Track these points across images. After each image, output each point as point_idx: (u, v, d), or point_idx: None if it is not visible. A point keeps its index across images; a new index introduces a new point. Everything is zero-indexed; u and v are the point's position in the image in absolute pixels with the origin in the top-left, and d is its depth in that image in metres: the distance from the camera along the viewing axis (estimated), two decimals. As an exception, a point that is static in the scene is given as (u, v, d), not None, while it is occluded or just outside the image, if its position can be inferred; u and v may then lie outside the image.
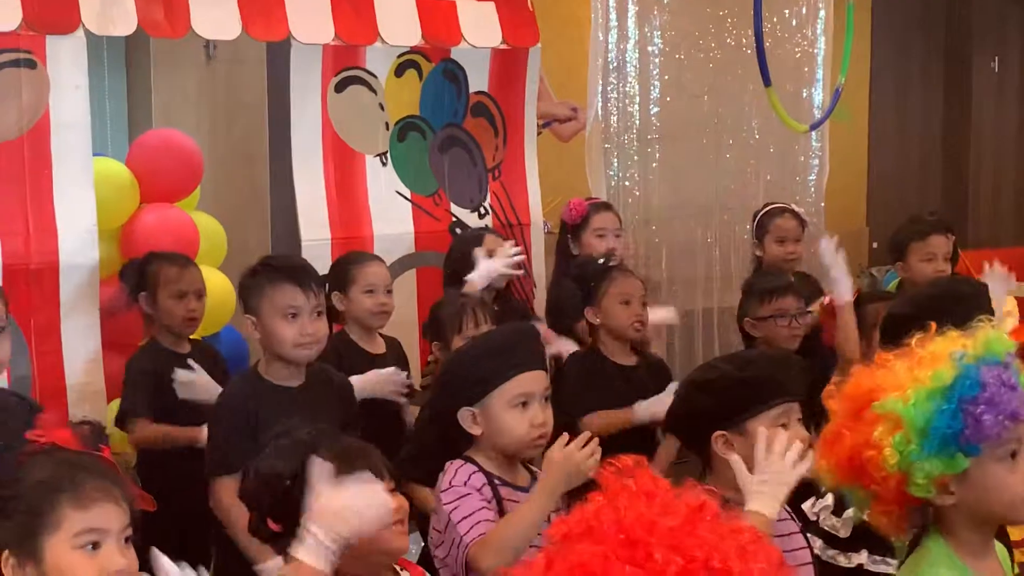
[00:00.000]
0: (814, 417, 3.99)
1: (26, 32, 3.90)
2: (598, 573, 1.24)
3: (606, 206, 4.94)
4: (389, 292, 4.05)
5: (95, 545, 1.92)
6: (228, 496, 3.08)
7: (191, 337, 4.03)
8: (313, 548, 2.05)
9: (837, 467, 2.00)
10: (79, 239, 4.00)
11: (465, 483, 2.65)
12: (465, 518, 2.56)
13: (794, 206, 5.06)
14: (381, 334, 4.08)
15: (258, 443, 2.90)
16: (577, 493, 2.46)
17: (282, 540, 2.25)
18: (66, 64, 3.99)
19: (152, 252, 4.06)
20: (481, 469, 2.69)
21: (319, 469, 2.06)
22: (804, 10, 6.16)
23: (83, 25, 3.99)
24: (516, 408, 2.69)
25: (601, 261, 4.17)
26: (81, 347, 3.96)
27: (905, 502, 1.96)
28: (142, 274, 3.93)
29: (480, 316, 3.78)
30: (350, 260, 4.11)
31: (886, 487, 1.93)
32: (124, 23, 4.08)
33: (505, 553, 2.48)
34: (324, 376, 3.42)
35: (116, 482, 1.97)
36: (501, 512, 2.64)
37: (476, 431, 2.71)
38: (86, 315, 4.01)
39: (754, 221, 4.98)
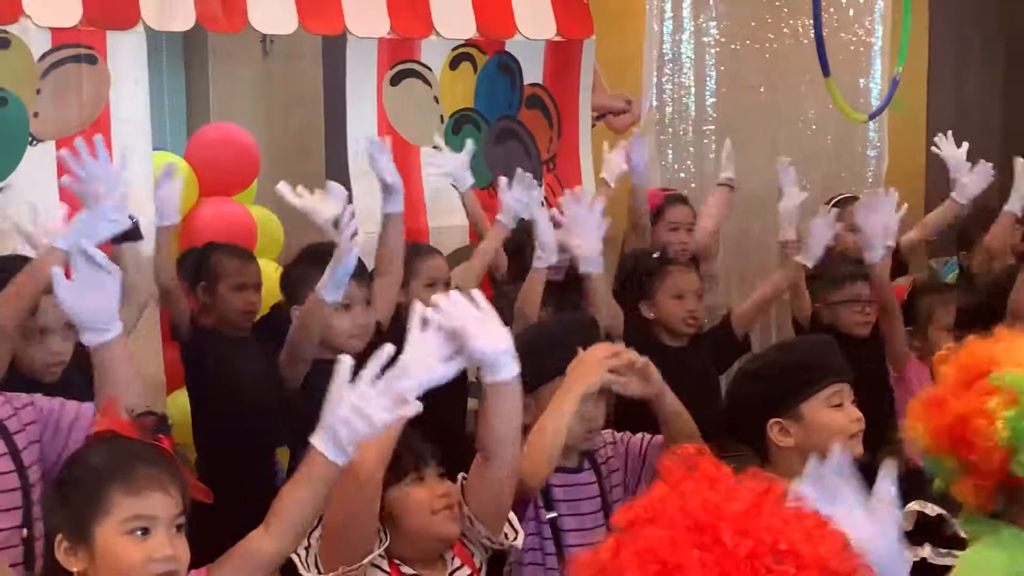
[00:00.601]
0: (882, 400, 3.99)
1: (86, 28, 3.95)
2: (667, 557, 1.25)
3: (681, 199, 4.91)
4: (448, 285, 4.05)
5: (144, 531, 1.95)
6: None
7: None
8: (326, 440, 2.03)
9: (935, 432, 1.98)
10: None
11: None
12: None
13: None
14: None
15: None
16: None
17: None
18: (126, 59, 4.04)
19: (212, 243, 4.09)
20: None
21: (343, 367, 2.05)
22: (862, -1, 6.10)
23: (143, 20, 4.03)
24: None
25: (655, 255, 4.15)
26: (142, 339, 4.00)
27: (1001, 478, 1.94)
28: (201, 265, 3.95)
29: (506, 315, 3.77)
30: (410, 253, 4.11)
31: (988, 460, 1.91)
32: (183, 18, 4.12)
33: (542, 458, 2.53)
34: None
35: (170, 471, 1.99)
36: (549, 498, 2.67)
37: (529, 420, 2.74)
38: (147, 307, 4.05)
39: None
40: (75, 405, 2.50)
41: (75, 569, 1.96)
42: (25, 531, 2.40)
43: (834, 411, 2.52)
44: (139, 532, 1.94)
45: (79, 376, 3.01)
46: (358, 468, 2.15)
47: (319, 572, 2.24)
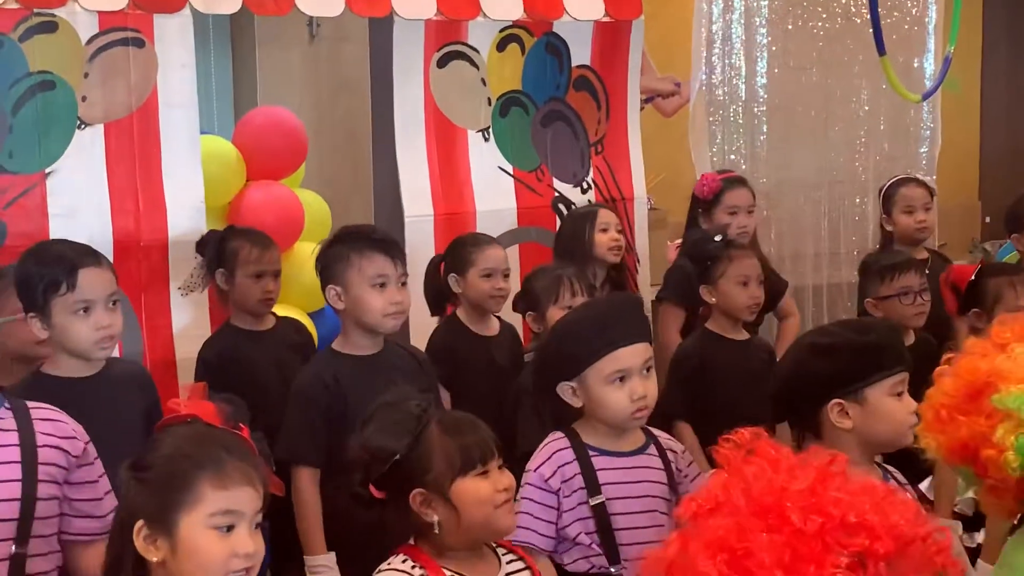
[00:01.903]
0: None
1: (134, 11, 3.94)
2: (736, 545, 1.22)
3: (740, 182, 4.84)
4: (506, 276, 4.04)
5: (229, 528, 1.91)
6: (308, 487, 3.17)
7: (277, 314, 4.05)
8: None
9: (948, 449, 1.94)
10: (187, 216, 4.04)
11: (536, 469, 2.68)
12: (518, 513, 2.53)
13: (919, 175, 4.95)
14: (499, 318, 4.06)
15: (346, 416, 2.95)
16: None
17: (381, 506, 2.27)
18: (173, 43, 4.03)
19: (232, 227, 4.08)
20: (573, 444, 2.70)
21: None
22: (916, -23, 6.01)
23: (190, 4, 4.02)
24: (613, 384, 2.67)
25: (718, 238, 4.10)
26: (190, 322, 4.01)
27: (1020, 495, 1.89)
28: (220, 250, 3.93)
29: (576, 286, 3.78)
30: (468, 243, 4.09)
31: (1004, 483, 1.87)
32: (229, 1, 4.11)
33: None
34: (399, 348, 3.45)
35: (254, 464, 1.96)
36: (589, 484, 2.65)
37: (577, 403, 2.72)
38: (195, 291, 4.05)
39: (880, 195, 4.87)
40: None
41: (154, 558, 1.92)
42: (14, 547, 2.32)
43: (896, 400, 2.47)
44: (224, 528, 1.91)
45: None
46: None
47: None
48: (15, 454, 2.36)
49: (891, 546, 1.24)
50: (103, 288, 2.91)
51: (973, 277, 3.98)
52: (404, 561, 2.27)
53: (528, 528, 2.63)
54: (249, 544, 1.91)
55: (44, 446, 2.39)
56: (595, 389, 2.68)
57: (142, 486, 1.95)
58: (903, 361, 2.51)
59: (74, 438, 2.45)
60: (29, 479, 2.36)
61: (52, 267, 2.87)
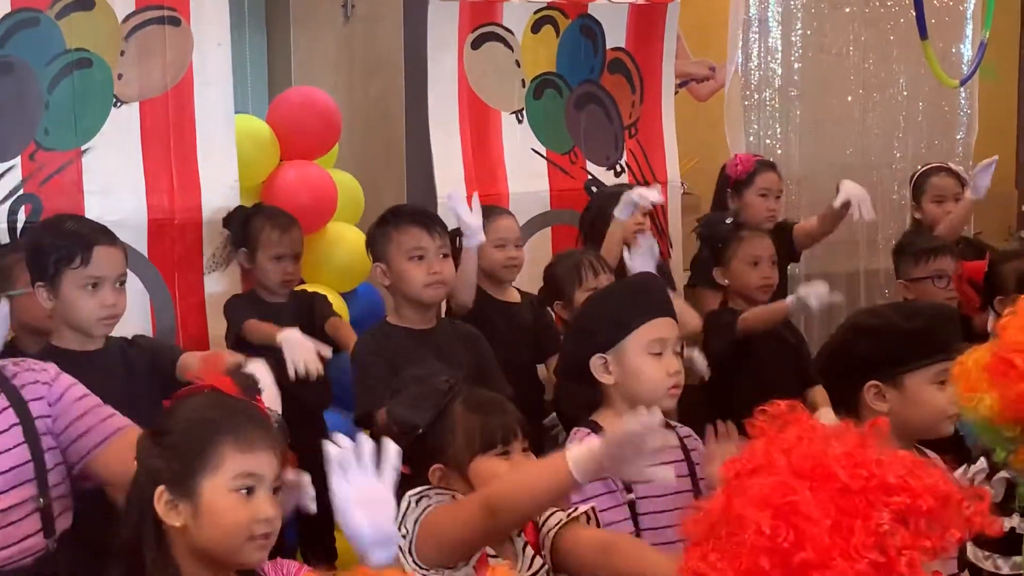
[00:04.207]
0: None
1: (170, -10, 3.95)
2: (781, 501, 1.23)
3: (771, 166, 4.87)
4: (519, 246, 4.09)
5: (250, 490, 1.92)
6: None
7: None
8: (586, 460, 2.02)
9: (1005, 403, 1.92)
10: (221, 195, 4.06)
11: None
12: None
13: (951, 164, 4.91)
14: (518, 289, 4.07)
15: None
16: None
17: (409, 482, 2.26)
18: (209, 21, 4.04)
19: (259, 205, 4.10)
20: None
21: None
22: (953, -38, 5.94)
23: (225, -18, 4.03)
24: (651, 355, 2.64)
25: (729, 220, 4.12)
26: (223, 300, 4.02)
27: None
28: (244, 229, 3.96)
29: (598, 266, 3.80)
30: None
31: None
32: (265, -21, 4.12)
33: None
34: (452, 324, 3.50)
35: (271, 431, 1.97)
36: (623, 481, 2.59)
37: (608, 380, 2.66)
38: (228, 269, 4.07)
39: (911, 183, 4.84)
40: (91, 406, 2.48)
41: (176, 523, 1.92)
42: (41, 500, 2.36)
43: (937, 389, 2.44)
44: (245, 490, 1.91)
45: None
46: (502, 507, 2.10)
47: (416, 563, 2.20)
48: (12, 416, 2.38)
49: (931, 503, 1.26)
50: (114, 267, 2.94)
51: (987, 267, 3.96)
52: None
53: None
54: (270, 508, 1.92)
55: (32, 400, 2.42)
56: (633, 359, 2.63)
57: (162, 451, 1.96)
58: (949, 349, 2.46)
59: (48, 383, 2.45)
60: (32, 437, 2.38)
61: (68, 239, 2.90)
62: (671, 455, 2.69)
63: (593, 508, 2.37)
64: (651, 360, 2.64)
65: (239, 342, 3.78)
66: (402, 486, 2.29)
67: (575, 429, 2.72)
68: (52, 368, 2.50)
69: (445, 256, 3.39)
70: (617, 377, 2.65)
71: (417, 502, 2.24)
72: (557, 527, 2.31)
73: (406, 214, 3.44)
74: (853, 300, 5.84)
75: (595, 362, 2.67)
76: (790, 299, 3.82)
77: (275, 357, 3.32)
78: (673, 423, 2.78)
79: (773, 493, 1.25)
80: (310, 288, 4.18)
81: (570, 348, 2.85)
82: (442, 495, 2.27)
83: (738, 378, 3.78)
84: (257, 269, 3.96)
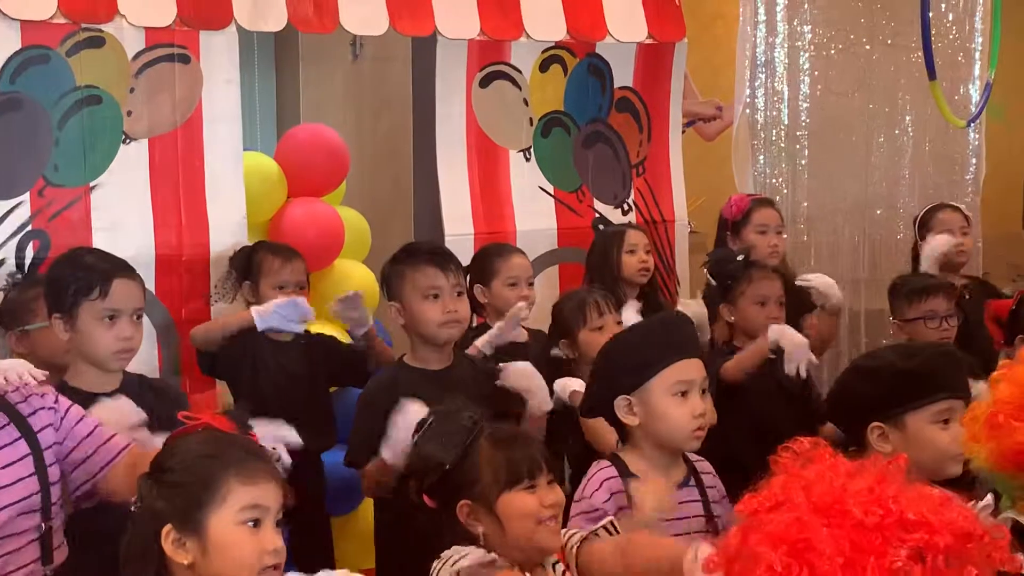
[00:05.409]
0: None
1: (180, 27, 3.98)
2: (796, 537, 1.23)
3: (768, 202, 4.84)
4: (531, 284, 4.07)
5: (256, 522, 1.92)
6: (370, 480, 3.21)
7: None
8: None
9: (999, 456, 1.93)
10: (229, 232, 4.07)
11: (591, 495, 2.63)
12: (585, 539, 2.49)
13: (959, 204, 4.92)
14: (525, 327, 4.06)
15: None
16: None
17: (436, 515, 2.28)
18: (218, 59, 4.06)
19: (261, 241, 4.10)
20: (620, 473, 2.64)
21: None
22: (961, 3, 5.95)
23: (235, 20, 4.06)
24: (676, 396, 2.63)
25: (740, 258, 4.10)
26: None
27: None
28: (248, 263, 3.96)
29: (603, 305, 3.78)
30: (492, 253, 4.11)
31: None
32: (275, 19, 4.14)
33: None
34: (468, 361, 3.47)
35: (271, 463, 1.98)
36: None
37: (632, 421, 2.66)
38: (235, 305, 4.07)
39: (915, 223, 4.84)
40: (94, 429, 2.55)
41: (185, 561, 1.91)
42: (43, 527, 2.40)
43: (939, 428, 2.43)
44: (252, 523, 1.91)
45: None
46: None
47: None
48: (24, 447, 2.43)
49: (950, 540, 1.25)
50: (132, 301, 2.95)
51: (1014, 306, 3.96)
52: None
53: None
54: (277, 539, 1.93)
55: (40, 430, 2.47)
56: (658, 402, 2.63)
57: (165, 489, 1.96)
58: (950, 388, 2.45)
59: (53, 408, 2.52)
60: (40, 468, 2.43)
61: (87, 272, 2.91)
62: (692, 495, 2.70)
63: (612, 521, 2.38)
64: (676, 402, 2.63)
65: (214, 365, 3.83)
66: (429, 520, 2.30)
67: (596, 461, 2.72)
68: (51, 391, 2.55)
69: (460, 294, 3.36)
70: (642, 418, 2.65)
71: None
72: (578, 544, 2.34)
73: (421, 253, 3.41)
74: (856, 340, 5.84)
75: (620, 403, 2.67)
76: (767, 338, 3.71)
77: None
78: (692, 459, 2.78)
79: (788, 530, 1.26)
80: (317, 324, 4.17)
81: (595, 389, 2.83)
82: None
83: (735, 417, 3.76)
84: (261, 301, 3.89)
